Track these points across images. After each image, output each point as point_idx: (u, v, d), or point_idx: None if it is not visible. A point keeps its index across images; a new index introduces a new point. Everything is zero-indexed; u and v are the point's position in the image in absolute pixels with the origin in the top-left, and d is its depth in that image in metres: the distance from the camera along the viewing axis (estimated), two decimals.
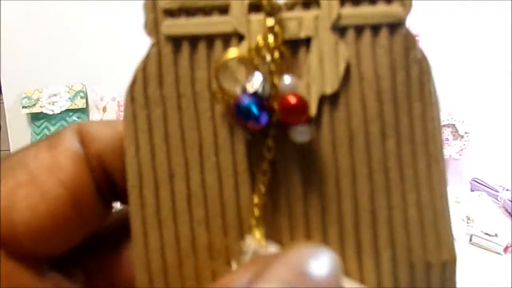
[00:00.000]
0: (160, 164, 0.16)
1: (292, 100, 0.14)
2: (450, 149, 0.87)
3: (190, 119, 0.16)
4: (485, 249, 0.73)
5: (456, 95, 0.88)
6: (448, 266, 0.16)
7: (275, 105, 0.15)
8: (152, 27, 0.15)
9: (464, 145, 0.87)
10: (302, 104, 0.14)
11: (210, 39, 0.15)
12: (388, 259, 0.15)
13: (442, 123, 0.87)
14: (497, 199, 0.83)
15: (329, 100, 0.15)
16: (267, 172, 0.15)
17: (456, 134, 0.87)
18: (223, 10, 0.15)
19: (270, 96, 0.15)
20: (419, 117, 0.15)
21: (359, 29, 0.15)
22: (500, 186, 0.84)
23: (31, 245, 0.14)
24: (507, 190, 0.83)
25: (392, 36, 0.15)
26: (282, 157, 0.15)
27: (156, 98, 0.16)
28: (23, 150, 0.15)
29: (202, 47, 0.15)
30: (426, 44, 0.85)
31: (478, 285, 0.65)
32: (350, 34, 0.15)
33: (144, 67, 0.16)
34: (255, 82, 0.14)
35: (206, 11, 0.15)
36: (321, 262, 0.13)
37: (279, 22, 0.15)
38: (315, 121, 0.15)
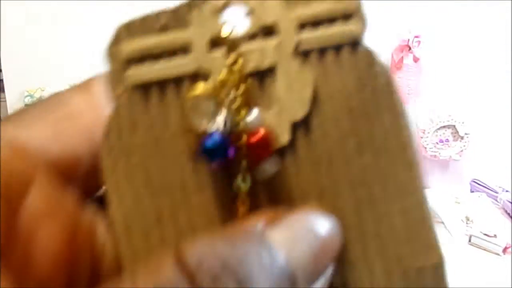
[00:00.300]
0: (146, 210, 0.16)
1: (253, 139, 0.15)
2: (450, 150, 0.87)
3: (169, 162, 0.16)
4: (484, 249, 0.74)
5: (456, 96, 0.88)
6: (438, 268, 0.16)
7: (243, 140, 0.15)
8: (118, 77, 0.15)
9: (464, 146, 0.87)
10: (264, 141, 0.15)
11: (177, 81, 0.15)
12: (381, 271, 0.16)
13: (443, 124, 0.88)
14: (496, 200, 0.83)
15: (302, 124, 0.15)
16: (246, 203, 0.15)
17: (456, 135, 0.87)
18: (186, 49, 0.15)
19: (236, 132, 0.15)
20: (392, 127, 0.16)
21: (321, 51, 0.15)
22: (499, 187, 0.85)
23: (70, 174, 0.16)
24: (506, 191, 0.83)
25: (353, 54, 0.16)
26: (263, 185, 0.15)
27: (132, 146, 0.16)
28: (59, 93, 0.16)
29: (170, 90, 0.16)
30: (426, 45, 0.86)
31: (477, 286, 0.66)
32: (314, 56, 0.15)
33: (116, 117, 0.16)
34: (219, 121, 0.15)
35: (168, 53, 0.15)
36: (329, 223, 0.14)
37: (241, 56, 0.15)
38: (291, 147, 0.15)
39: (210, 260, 0.11)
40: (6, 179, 0.14)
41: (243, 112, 0.15)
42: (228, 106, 0.15)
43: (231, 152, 0.15)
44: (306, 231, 0.13)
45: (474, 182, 0.89)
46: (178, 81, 0.15)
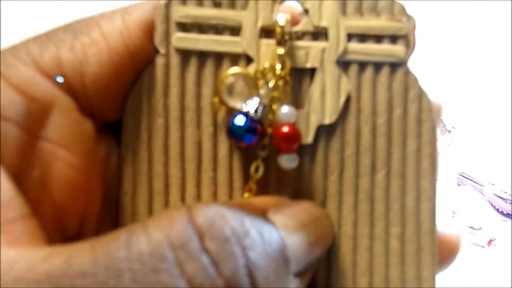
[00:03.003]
0: (156, 174, 0.16)
1: (285, 129, 0.15)
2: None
3: (191, 133, 0.16)
4: (469, 242, 0.74)
5: (443, 90, 0.88)
6: None
7: (270, 130, 0.15)
8: (163, 38, 0.16)
9: (451, 139, 0.87)
10: (294, 136, 0.15)
11: (219, 57, 0.16)
12: (365, 286, 0.16)
13: None
14: (482, 194, 0.83)
15: (326, 129, 0.16)
16: (252, 191, 0.16)
17: (444, 129, 0.87)
18: (235, 30, 0.16)
19: (266, 120, 0.15)
20: (413, 153, 0.16)
21: (362, 65, 0.16)
22: (486, 180, 0.85)
23: (96, 99, 0.16)
24: (493, 184, 0.83)
25: (392, 75, 0.16)
26: (275, 178, 0.16)
27: (159, 108, 0.16)
28: (100, 14, 0.17)
29: (210, 64, 0.16)
30: (421, 40, 0.86)
31: (461, 278, 0.66)
32: (353, 68, 0.16)
33: (150, 77, 0.16)
34: (252, 105, 0.15)
35: (218, 29, 0.16)
36: (328, 219, 0.16)
37: (289, 51, 0.16)
38: (310, 147, 0.16)
39: (221, 225, 0.11)
40: (28, 105, 0.14)
41: (275, 105, 0.15)
42: (263, 95, 0.15)
43: (254, 138, 0.15)
44: (306, 222, 0.14)
45: (461, 175, 0.89)
46: (219, 58, 0.16)
